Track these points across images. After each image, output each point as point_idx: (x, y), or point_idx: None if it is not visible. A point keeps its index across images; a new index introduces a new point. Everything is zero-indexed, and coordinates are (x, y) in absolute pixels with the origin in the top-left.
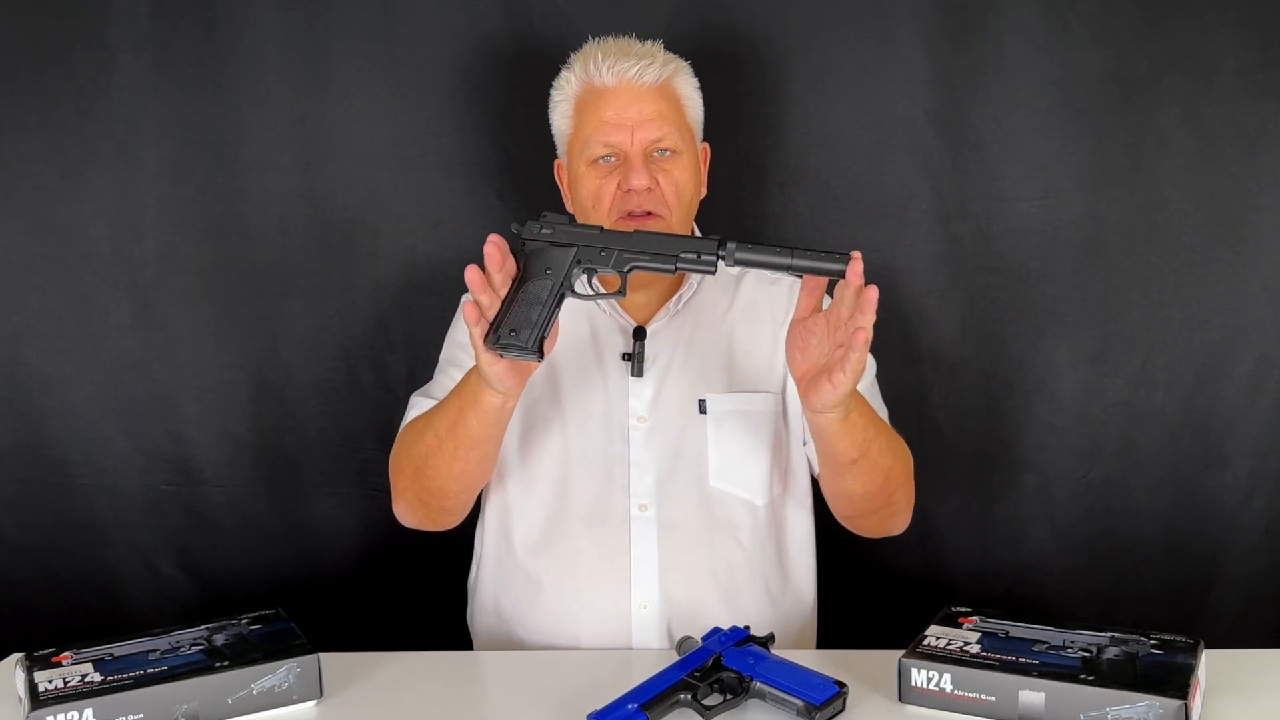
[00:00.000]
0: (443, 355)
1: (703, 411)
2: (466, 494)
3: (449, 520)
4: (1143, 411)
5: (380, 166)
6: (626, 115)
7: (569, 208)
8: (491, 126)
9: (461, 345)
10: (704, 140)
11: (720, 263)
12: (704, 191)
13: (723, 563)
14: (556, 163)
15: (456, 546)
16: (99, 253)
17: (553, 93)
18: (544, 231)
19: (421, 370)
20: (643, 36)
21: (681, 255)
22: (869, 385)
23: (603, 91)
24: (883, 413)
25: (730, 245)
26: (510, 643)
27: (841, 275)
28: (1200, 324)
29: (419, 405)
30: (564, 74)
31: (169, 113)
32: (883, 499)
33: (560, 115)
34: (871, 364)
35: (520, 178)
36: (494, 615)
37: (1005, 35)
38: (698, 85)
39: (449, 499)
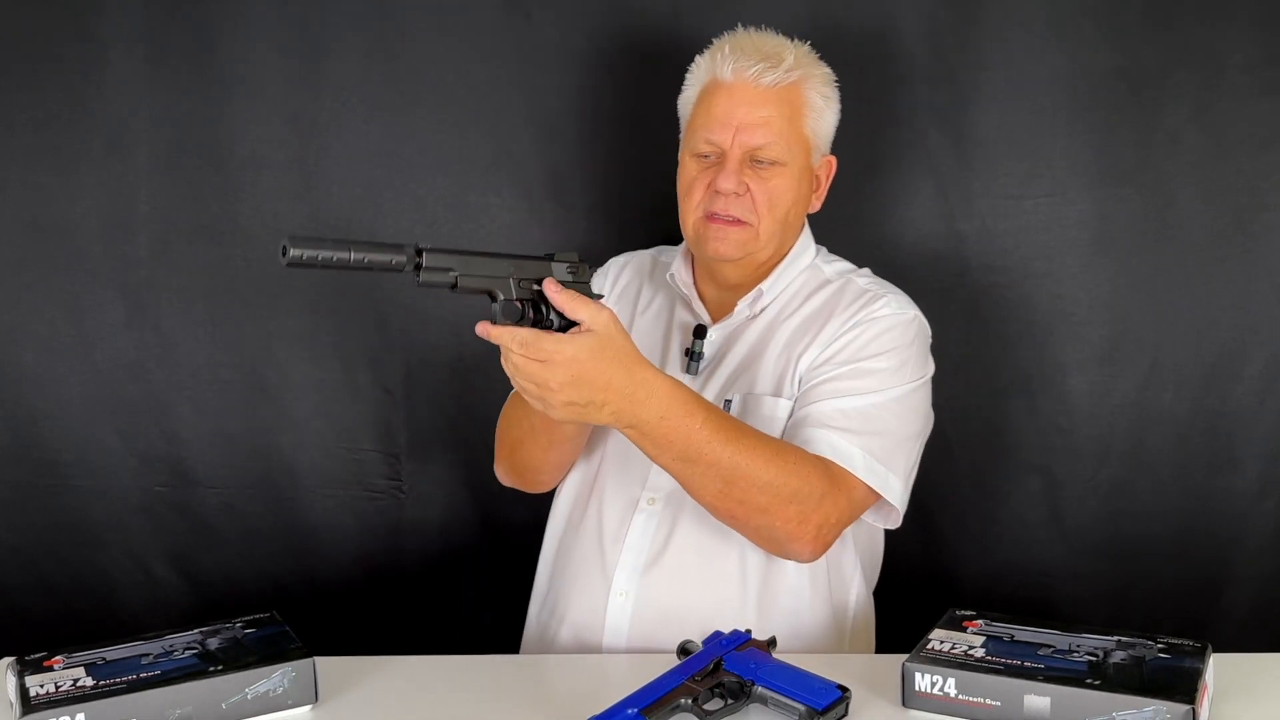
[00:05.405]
0: None
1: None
2: (559, 470)
3: (542, 488)
4: (1151, 412)
5: (376, 164)
6: (734, 115)
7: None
8: (489, 123)
9: None
10: (831, 153)
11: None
12: (817, 206)
13: (719, 572)
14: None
15: (452, 550)
16: (91, 251)
17: (687, 74)
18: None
19: (419, 370)
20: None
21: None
22: (864, 406)
23: (720, 86)
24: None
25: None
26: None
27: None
28: (1209, 323)
29: None
30: (698, 59)
31: (162, 109)
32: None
33: (684, 100)
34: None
35: (518, 175)
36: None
37: (1010, 30)
38: (830, 95)
39: (542, 474)
